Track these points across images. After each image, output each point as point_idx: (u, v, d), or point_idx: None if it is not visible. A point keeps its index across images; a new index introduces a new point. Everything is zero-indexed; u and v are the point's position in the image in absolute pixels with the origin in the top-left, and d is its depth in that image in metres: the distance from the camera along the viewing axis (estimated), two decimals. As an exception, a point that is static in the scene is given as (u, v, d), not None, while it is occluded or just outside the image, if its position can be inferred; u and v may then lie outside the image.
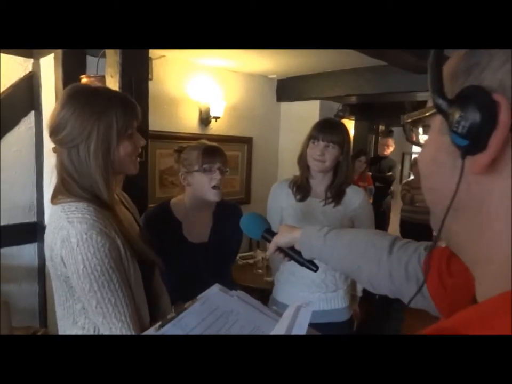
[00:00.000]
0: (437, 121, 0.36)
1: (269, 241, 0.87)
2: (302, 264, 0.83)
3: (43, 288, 2.45)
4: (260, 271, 2.65)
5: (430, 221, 0.41)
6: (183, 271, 1.35)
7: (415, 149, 6.70)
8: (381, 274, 0.70)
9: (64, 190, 0.85)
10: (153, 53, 2.53)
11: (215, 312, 0.81)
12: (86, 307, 0.82)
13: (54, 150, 0.89)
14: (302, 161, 1.49)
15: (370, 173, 4.09)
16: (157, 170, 2.82)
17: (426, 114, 0.38)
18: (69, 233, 0.77)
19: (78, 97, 0.86)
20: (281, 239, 0.85)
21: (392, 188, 4.53)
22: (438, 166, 0.36)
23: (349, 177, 1.51)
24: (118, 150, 0.87)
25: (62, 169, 0.87)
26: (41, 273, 2.44)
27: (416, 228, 4.01)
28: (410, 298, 0.62)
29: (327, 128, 1.44)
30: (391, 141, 4.42)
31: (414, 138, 0.42)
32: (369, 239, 0.75)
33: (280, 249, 0.86)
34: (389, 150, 4.40)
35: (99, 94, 0.88)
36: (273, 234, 0.87)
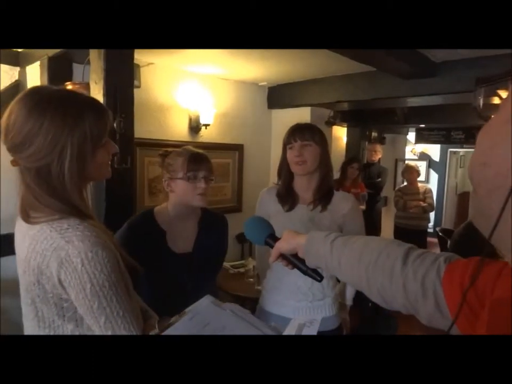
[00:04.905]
0: None
1: (272, 247, 0.81)
2: (305, 273, 0.77)
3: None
4: (251, 279, 2.61)
5: (478, 226, 0.35)
6: (165, 283, 1.31)
7: (408, 155, 6.71)
8: (394, 288, 0.61)
9: (42, 206, 0.78)
10: (141, 60, 2.52)
11: (205, 329, 0.73)
12: (84, 326, 0.79)
13: (14, 163, 0.79)
14: (284, 169, 1.47)
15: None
16: (146, 179, 2.79)
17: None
18: (69, 253, 0.72)
19: (45, 106, 0.76)
20: (284, 245, 0.78)
21: (382, 194, 4.53)
22: None
23: (330, 177, 1.48)
24: (93, 162, 0.81)
25: (31, 184, 0.78)
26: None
27: (410, 234, 4.03)
28: (428, 317, 0.57)
29: (300, 129, 1.43)
30: (378, 147, 4.45)
31: (487, 110, 0.34)
32: (382, 248, 0.67)
33: (283, 256, 0.80)
34: (377, 156, 4.42)
35: (68, 100, 0.79)
36: (276, 239, 0.81)
